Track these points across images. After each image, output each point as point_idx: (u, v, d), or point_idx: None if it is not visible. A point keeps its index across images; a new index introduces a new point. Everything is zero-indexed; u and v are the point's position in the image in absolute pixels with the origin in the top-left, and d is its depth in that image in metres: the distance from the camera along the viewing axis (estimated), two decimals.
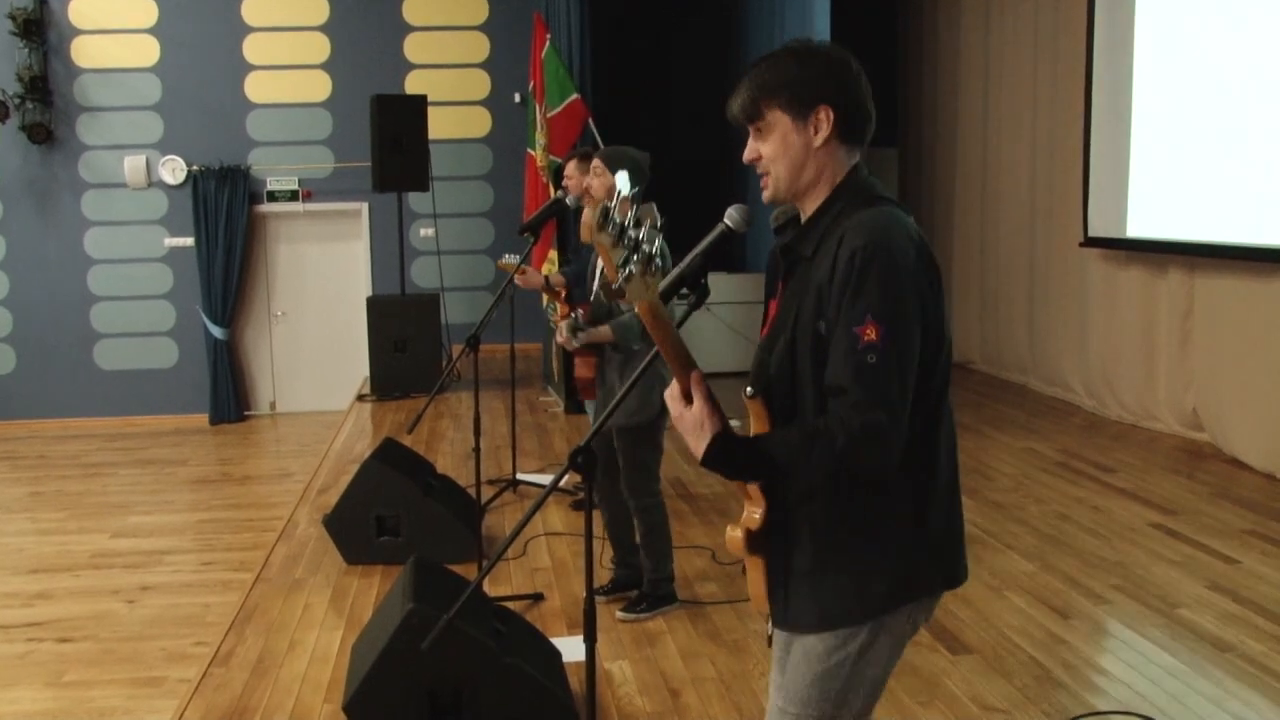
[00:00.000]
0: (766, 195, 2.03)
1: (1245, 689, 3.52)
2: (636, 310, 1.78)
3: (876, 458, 1.82)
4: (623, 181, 1.82)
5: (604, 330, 4.09)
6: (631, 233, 1.70)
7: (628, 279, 1.71)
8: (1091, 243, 7.56)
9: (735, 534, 2.03)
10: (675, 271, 1.92)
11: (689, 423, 1.86)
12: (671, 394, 1.90)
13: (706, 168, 10.41)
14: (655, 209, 1.74)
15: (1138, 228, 7.06)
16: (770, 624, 2.16)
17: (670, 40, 10.63)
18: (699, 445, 1.85)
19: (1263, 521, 5.23)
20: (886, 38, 10.42)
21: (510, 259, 5.11)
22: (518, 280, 5.01)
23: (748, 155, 2.02)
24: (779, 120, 1.96)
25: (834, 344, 1.85)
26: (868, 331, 1.80)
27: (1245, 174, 6.08)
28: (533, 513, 2.24)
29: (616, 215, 1.69)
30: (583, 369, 4.35)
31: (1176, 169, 6.68)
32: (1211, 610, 4.17)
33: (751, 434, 1.96)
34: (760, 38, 9.41)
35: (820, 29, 7.95)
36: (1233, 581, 4.46)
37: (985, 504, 5.60)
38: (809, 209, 2.01)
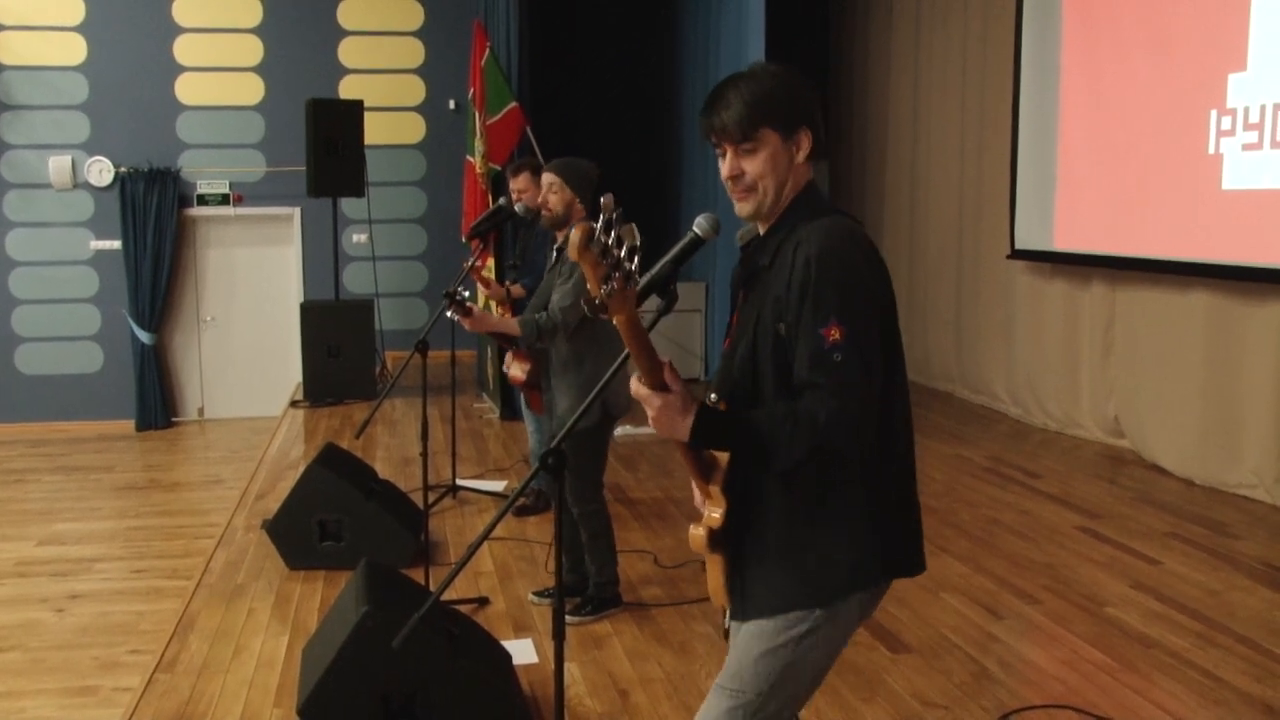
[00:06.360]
0: (748, 209, 2.10)
1: (1170, 681, 3.67)
2: (615, 322, 1.86)
3: (849, 438, 1.95)
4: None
5: (510, 322, 4.17)
6: (613, 251, 1.79)
7: (609, 294, 1.81)
8: (1018, 255, 7.78)
9: (698, 532, 2.10)
10: (647, 277, 1.99)
11: (673, 407, 1.93)
12: (640, 393, 1.96)
13: (643, 176, 10.51)
14: (635, 229, 1.83)
15: (1063, 241, 7.29)
16: (727, 618, 2.23)
17: (607, 50, 10.72)
18: (685, 424, 1.93)
19: (1181, 524, 5.45)
20: (819, 52, 10.62)
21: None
22: (481, 289, 5.04)
23: (728, 171, 2.08)
24: (770, 140, 2.05)
25: (800, 346, 1.96)
26: (832, 333, 1.93)
27: (1165, 191, 6.32)
28: (501, 515, 2.29)
29: (601, 235, 1.78)
30: (516, 372, 4.39)
31: (1100, 185, 6.91)
32: (1136, 608, 4.34)
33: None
34: (696, 50, 9.51)
35: (754, 43, 8.06)
36: (1155, 581, 4.65)
37: None
38: (768, 222, 2.11)
